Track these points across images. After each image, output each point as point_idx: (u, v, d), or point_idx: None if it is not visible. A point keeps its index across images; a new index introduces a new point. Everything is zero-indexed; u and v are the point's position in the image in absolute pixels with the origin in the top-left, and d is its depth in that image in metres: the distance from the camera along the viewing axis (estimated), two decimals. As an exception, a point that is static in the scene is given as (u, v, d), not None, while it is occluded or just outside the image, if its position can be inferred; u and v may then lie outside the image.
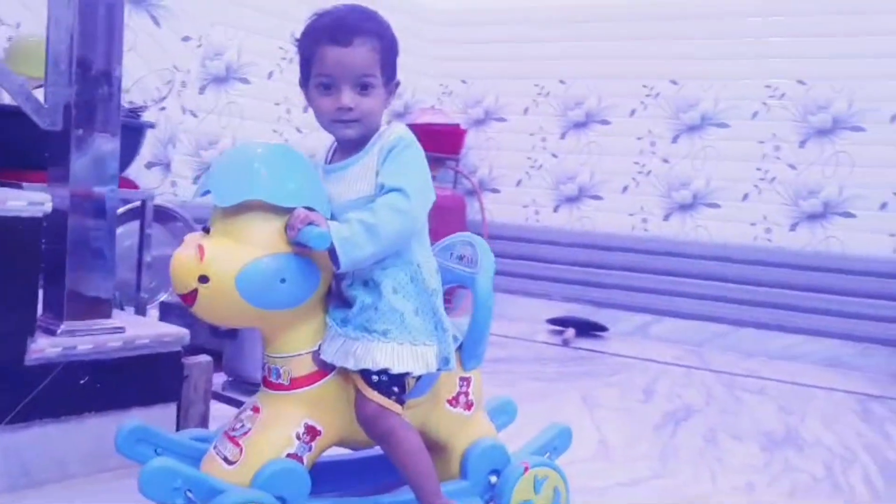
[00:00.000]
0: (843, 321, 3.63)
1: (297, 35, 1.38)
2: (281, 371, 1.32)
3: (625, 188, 4.09)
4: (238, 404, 2.26)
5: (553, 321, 3.90)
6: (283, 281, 1.24)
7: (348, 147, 1.37)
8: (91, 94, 1.60)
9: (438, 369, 1.36)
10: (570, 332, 3.76)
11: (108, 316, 1.68)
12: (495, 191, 4.39)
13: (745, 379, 3.22)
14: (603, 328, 3.89)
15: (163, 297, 3.14)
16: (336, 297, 1.37)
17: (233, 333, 2.36)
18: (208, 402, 1.86)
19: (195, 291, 1.21)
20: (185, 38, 3.37)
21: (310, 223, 1.22)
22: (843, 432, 2.52)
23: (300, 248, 1.24)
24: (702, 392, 2.94)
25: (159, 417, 1.74)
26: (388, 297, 1.30)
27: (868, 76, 3.56)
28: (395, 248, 1.31)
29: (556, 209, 4.26)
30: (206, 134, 3.48)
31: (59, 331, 1.59)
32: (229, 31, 3.52)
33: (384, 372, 1.29)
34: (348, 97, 1.30)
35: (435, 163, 4.17)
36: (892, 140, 3.53)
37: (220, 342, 2.40)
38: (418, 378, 1.36)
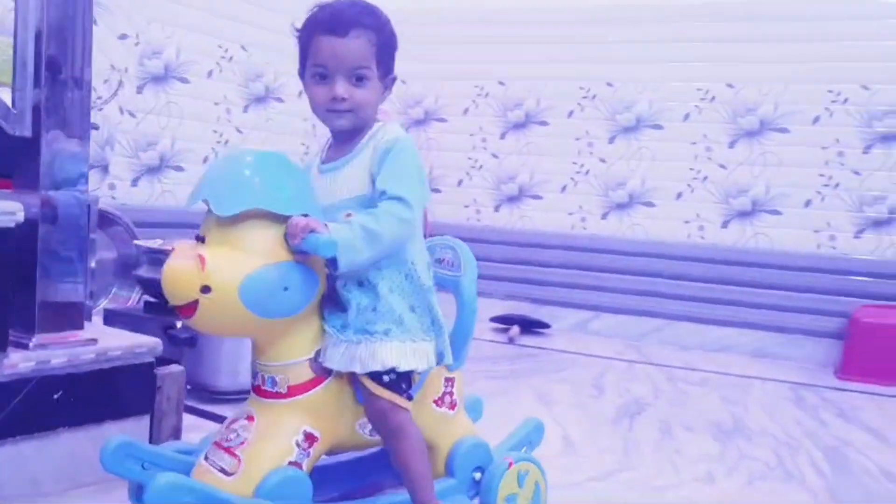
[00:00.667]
0: (771, 314, 3.81)
1: (297, 25, 1.40)
2: (277, 379, 1.31)
3: (563, 188, 4.19)
4: (199, 413, 2.23)
5: (497, 319, 3.96)
6: (285, 289, 1.24)
7: (341, 139, 1.38)
8: (60, 97, 1.55)
9: (438, 363, 1.38)
10: (515, 329, 3.82)
11: (81, 327, 1.62)
12: (437, 191, 4.42)
13: (685, 371, 3.35)
14: (545, 325, 3.97)
15: (103, 302, 3.04)
16: (329, 301, 1.36)
17: (191, 341, 2.31)
18: (181, 414, 1.82)
19: (195, 302, 1.18)
20: (123, 37, 3.27)
21: (311, 230, 1.21)
22: (784, 421, 2.65)
23: (302, 256, 1.24)
24: (648, 385, 3.04)
25: (132, 430, 1.69)
26: (386, 297, 1.31)
27: (793, 80, 3.75)
28: (391, 253, 1.32)
29: (497, 209, 4.32)
30: (144, 135, 3.38)
31: (31, 345, 1.53)
32: (167, 29, 3.43)
33: (392, 371, 1.30)
34: (342, 87, 1.31)
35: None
36: (815, 141, 3.73)
37: (178, 350, 2.34)
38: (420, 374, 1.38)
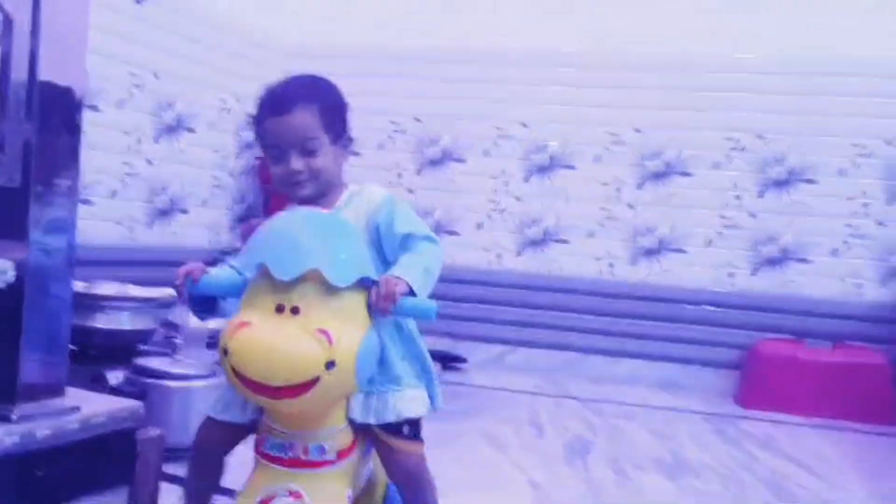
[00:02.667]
0: (676, 346, 4.01)
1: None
2: (326, 447, 1.25)
3: (479, 225, 4.24)
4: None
5: (417, 356, 3.93)
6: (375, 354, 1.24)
7: (310, 202, 1.37)
8: (53, 143, 1.41)
9: (432, 408, 1.39)
10: (437, 366, 3.81)
11: (62, 393, 1.48)
12: (349, 225, 4.35)
13: (608, 405, 3.45)
14: (463, 360, 4.00)
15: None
16: None
17: (140, 395, 2.15)
18: (158, 480, 1.69)
19: (314, 380, 1.12)
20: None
21: (401, 294, 1.20)
22: (717, 454, 2.79)
23: (382, 318, 1.23)
24: (581, 422, 3.12)
25: (110, 502, 1.55)
26: (385, 348, 1.31)
27: (694, 127, 4.00)
28: None
29: (412, 244, 4.31)
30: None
31: (14, 416, 1.37)
32: (78, 53, 3.20)
33: (408, 422, 1.31)
34: (296, 162, 1.34)
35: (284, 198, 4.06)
36: (716, 185, 3.99)
37: (122, 405, 2.17)
38: None
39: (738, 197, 3.98)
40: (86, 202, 3.28)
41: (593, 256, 4.13)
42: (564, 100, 4.15)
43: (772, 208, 3.95)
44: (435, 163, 4.30)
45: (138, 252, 3.54)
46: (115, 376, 2.35)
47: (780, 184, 3.94)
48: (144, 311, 2.72)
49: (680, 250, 4.05)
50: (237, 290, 1.26)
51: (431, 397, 1.39)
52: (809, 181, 3.91)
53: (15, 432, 1.36)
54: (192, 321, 2.60)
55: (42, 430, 1.40)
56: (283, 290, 1.16)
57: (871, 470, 2.79)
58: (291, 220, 1.24)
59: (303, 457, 1.25)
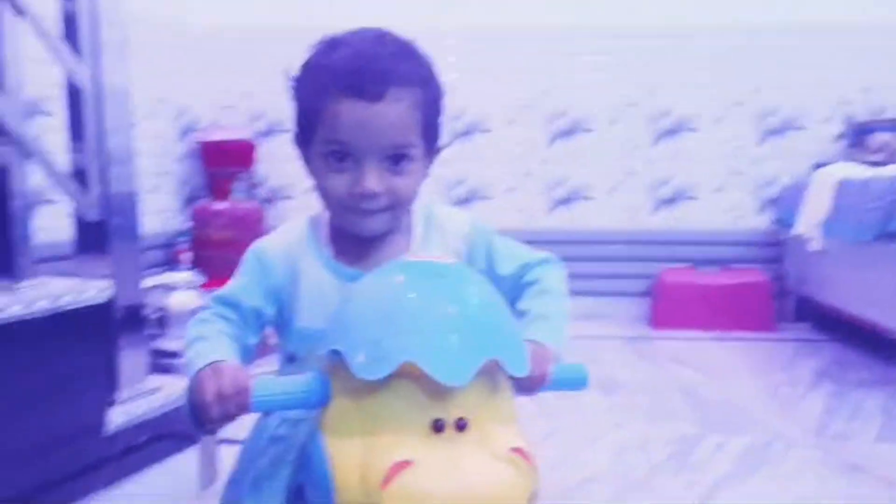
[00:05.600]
0: (594, 282, 4.56)
1: (293, 71, 0.98)
2: None
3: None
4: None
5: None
6: None
7: (368, 240, 0.99)
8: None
9: None
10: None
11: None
12: (289, 198, 4.68)
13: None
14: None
15: None
16: None
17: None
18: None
19: None
20: None
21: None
22: (637, 370, 3.38)
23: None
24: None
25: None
26: None
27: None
28: None
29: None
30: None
31: (120, 399, 1.74)
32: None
33: None
34: (375, 179, 0.92)
35: (230, 177, 4.37)
36: (512, 138, 4.55)
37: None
38: None
39: (636, 147, 4.54)
40: None
41: (516, 209, 4.62)
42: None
43: (663, 156, 4.53)
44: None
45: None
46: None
47: (670, 133, 4.52)
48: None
49: (589, 198, 4.59)
50: (308, 400, 0.82)
51: None
52: (692, 130, 4.51)
53: (127, 411, 1.73)
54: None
55: (140, 408, 1.77)
56: (436, 397, 0.76)
57: (758, 369, 3.43)
58: (418, 290, 0.79)
59: None
